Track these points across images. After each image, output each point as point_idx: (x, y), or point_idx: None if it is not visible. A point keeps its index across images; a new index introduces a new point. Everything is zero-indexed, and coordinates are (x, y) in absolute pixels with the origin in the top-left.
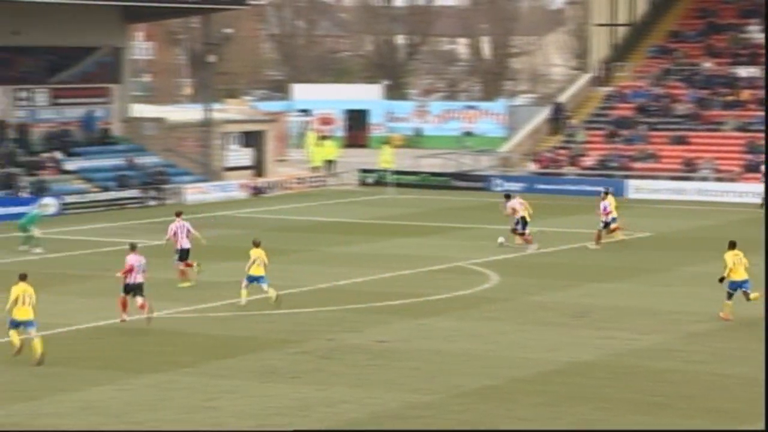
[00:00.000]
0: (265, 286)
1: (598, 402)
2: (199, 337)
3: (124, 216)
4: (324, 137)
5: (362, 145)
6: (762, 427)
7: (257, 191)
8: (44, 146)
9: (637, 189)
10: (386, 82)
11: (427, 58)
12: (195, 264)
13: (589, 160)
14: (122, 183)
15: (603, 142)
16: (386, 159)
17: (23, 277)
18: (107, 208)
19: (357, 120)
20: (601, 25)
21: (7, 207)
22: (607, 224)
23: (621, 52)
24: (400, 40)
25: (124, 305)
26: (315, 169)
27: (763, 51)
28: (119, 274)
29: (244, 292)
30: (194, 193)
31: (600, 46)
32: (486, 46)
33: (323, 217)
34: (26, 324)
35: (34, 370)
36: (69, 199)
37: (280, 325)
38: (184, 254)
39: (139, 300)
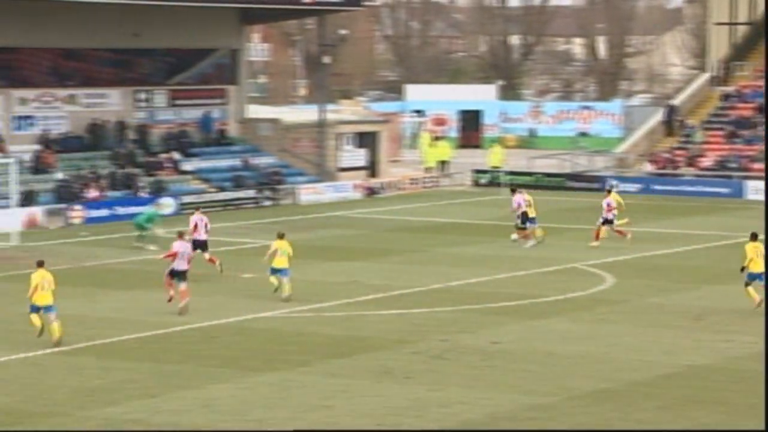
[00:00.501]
0: (285, 279)
1: (716, 406)
2: (314, 337)
3: (239, 216)
4: (437, 138)
5: (476, 146)
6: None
7: (371, 192)
8: (163, 147)
9: (756, 190)
10: (500, 83)
11: (542, 58)
12: (218, 262)
13: (707, 161)
14: (238, 183)
15: (722, 143)
16: (495, 159)
17: (41, 264)
18: (223, 208)
19: (471, 121)
20: (720, 24)
21: (127, 207)
22: (607, 221)
23: (741, 52)
24: (515, 40)
25: (171, 285)
26: (428, 169)
27: None
28: (162, 257)
29: (272, 279)
30: (308, 193)
31: (719, 45)
32: (602, 46)
33: (436, 218)
34: (46, 309)
35: (153, 367)
36: (186, 199)
37: (394, 325)
38: (200, 245)
39: (182, 285)
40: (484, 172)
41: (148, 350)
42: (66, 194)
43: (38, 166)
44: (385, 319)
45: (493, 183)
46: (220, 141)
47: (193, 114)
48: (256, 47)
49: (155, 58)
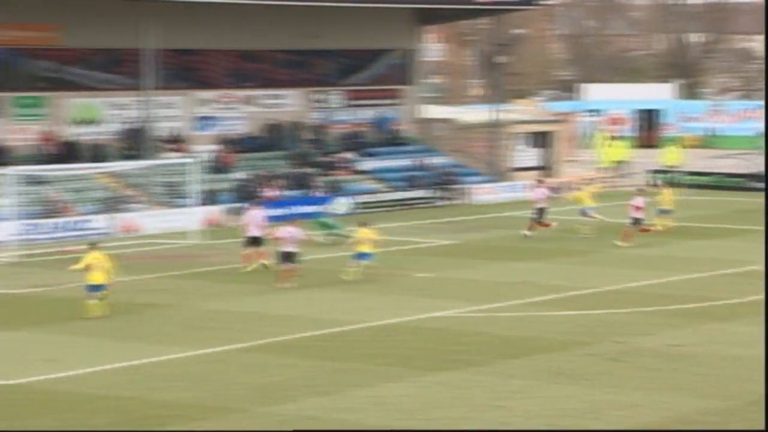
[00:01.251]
0: (368, 262)
1: None
2: (487, 337)
3: (413, 216)
4: (614, 138)
5: (653, 146)
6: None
7: None
8: (338, 147)
9: None
10: (680, 82)
11: (723, 56)
12: (263, 262)
13: None
14: (412, 183)
15: None
16: (671, 158)
17: (94, 246)
18: (397, 208)
19: (648, 120)
20: None
21: (303, 206)
22: (637, 220)
23: None
24: (695, 38)
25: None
26: (604, 169)
27: None
28: (272, 237)
29: (351, 269)
30: (482, 193)
31: None
32: None
33: (612, 218)
34: (97, 288)
35: (328, 365)
36: (361, 198)
37: (569, 326)
38: (251, 241)
39: (290, 265)
40: (662, 172)
41: (323, 348)
42: (245, 193)
43: (218, 166)
44: (559, 320)
45: (671, 183)
46: (394, 141)
47: (368, 114)
48: (431, 47)
49: (331, 59)
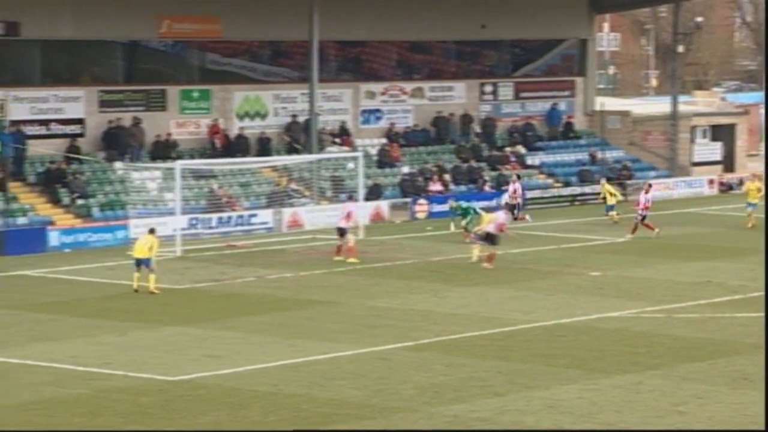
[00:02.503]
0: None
1: None
2: (666, 338)
3: (585, 212)
4: None
5: None
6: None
7: (726, 187)
8: (507, 140)
9: None
10: None
11: None
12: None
13: None
14: (584, 178)
15: None
16: None
17: (152, 231)
18: (569, 203)
19: None
20: None
21: (472, 201)
22: (644, 217)
23: None
24: None
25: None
26: None
27: None
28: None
29: (475, 251)
30: (659, 189)
31: None
32: None
33: None
34: (143, 261)
35: (498, 365)
36: (531, 194)
37: (752, 329)
38: (341, 231)
39: (492, 250)
40: None
41: (493, 347)
42: (410, 188)
43: (384, 160)
44: (742, 322)
45: None
46: (566, 134)
47: (539, 107)
48: (606, 37)
49: (501, 49)
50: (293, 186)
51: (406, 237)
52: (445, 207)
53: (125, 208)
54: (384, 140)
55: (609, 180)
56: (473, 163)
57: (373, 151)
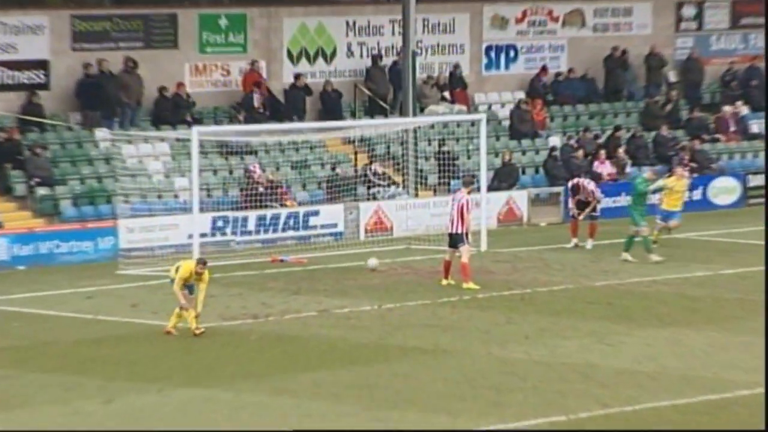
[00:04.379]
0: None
1: None
2: None
3: None
4: None
5: None
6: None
7: None
8: (720, 94)
9: None
10: None
11: None
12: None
13: None
14: None
15: None
16: None
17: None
18: None
19: None
20: None
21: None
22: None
23: None
24: None
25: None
26: None
27: None
28: None
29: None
30: None
31: None
32: None
33: None
34: (188, 286)
35: None
36: (755, 181)
37: None
38: (453, 239)
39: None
40: None
41: (694, 424)
42: (563, 170)
43: (520, 127)
44: None
45: None
46: None
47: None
48: None
49: None
50: (376, 168)
51: (555, 249)
52: (619, 201)
53: (112, 202)
54: (520, 95)
55: None
56: (665, 131)
57: (504, 113)
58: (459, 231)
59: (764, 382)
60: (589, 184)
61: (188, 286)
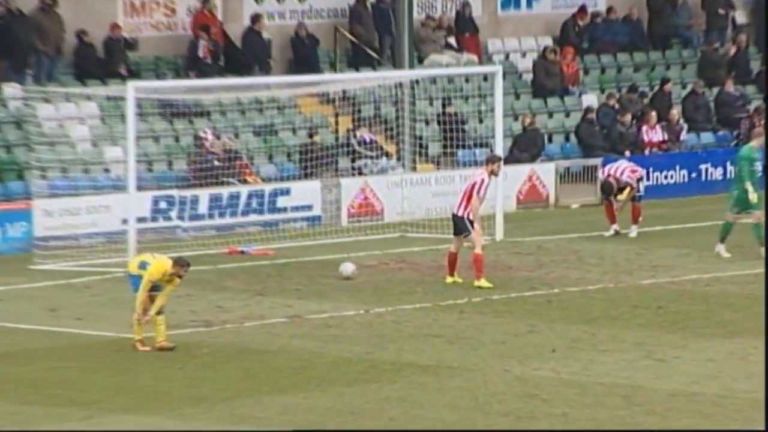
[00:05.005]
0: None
1: None
2: None
3: None
4: None
5: None
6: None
7: None
8: None
9: None
10: None
11: None
12: None
13: None
14: None
15: None
16: None
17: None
18: None
19: None
20: None
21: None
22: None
23: None
24: None
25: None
26: None
27: None
28: None
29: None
30: None
31: None
32: None
33: None
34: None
35: None
36: None
37: None
38: (459, 225)
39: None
40: None
41: None
42: (601, 138)
43: (545, 82)
44: None
45: None
46: None
47: None
48: None
49: None
50: (362, 135)
51: (590, 237)
52: (672, 177)
53: (25, 178)
54: (547, 41)
55: None
56: (730, 87)
57: (525, 64)
58: (461, 214)
59: (764, 384)
60: (623, 174)
61: (154, 288)
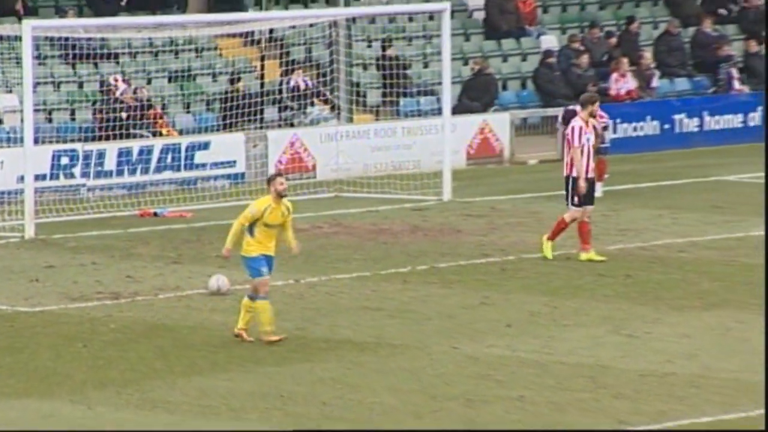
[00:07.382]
0: None
1: None
2: None
3: None
4: None
5: None
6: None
7: None
8: None
9: None
10: None
11: None
12: None
13: None
14: None
15: None
16: None
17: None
18: None
19: None
20: None
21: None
22: None
23: None
24: None
25: None
26: None
27: None
28: None
29: None
30: None
31: None
32: None
33: None
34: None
35: None
36: None
37: None
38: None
39: None
40: None
41: None
42: (561, 85)
43: (496, 21)
44: None
45: None
46: None
47: None
48: None
49: None
50: (293, 81)
51: (550, 197)
52: (643, 128)
53: None
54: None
55: None
56: (707, 27)
57: (476, 1)
58: (566, 173)
59: (764, 378)
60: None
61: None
